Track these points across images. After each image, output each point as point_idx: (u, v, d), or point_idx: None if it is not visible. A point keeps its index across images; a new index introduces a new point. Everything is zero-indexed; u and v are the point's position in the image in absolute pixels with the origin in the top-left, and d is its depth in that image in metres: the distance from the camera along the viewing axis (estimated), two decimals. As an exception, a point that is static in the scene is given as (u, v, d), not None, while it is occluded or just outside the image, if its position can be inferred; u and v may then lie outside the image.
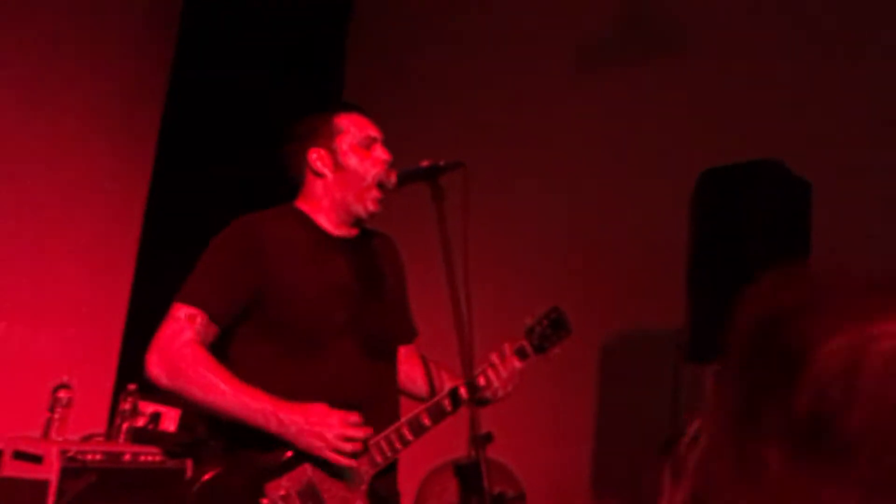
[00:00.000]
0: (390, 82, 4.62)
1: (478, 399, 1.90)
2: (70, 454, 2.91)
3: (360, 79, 4.80)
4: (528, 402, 2.71)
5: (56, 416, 3.14)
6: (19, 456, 2.93)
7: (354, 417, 1.84)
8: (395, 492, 2.03)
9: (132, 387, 3.44)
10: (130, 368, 3.95)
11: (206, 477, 1.83)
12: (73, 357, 3.75)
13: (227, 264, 1.95)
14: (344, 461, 1.82)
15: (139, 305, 4.15)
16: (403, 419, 1.96)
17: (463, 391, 1.94)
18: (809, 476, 0.53)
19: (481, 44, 4.43)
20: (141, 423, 3.44)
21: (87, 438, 3.31)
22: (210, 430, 2.05)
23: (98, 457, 3.01)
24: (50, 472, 2.85)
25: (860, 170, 3.07)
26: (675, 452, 0.64)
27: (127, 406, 3.41)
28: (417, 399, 2.12)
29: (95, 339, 4.00)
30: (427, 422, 1.95)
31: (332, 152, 2.07)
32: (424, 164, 1.94)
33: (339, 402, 1.88)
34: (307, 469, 1.85)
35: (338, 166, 2.07)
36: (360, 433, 1.84)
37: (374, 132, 2.11)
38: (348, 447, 1.82)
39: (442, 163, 1.92)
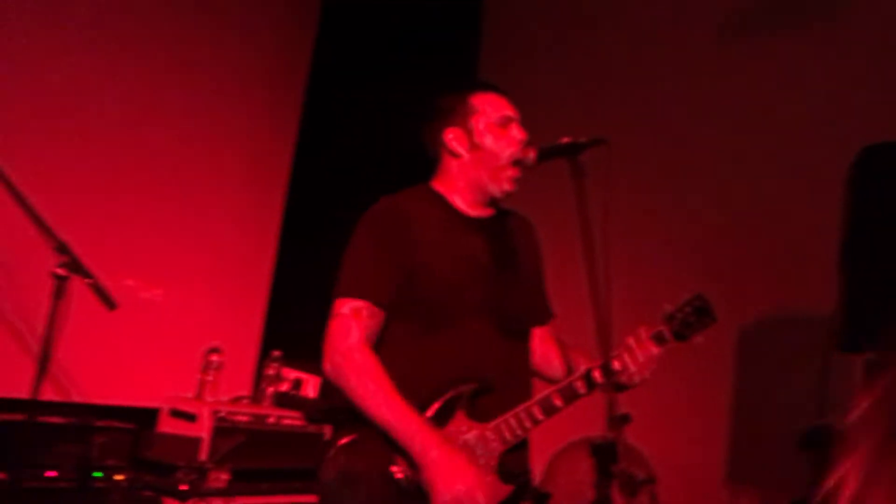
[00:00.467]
0: (525, 59, 4.57)
1: (613, 383, 1.87)
2: (221, 414, 3.11)
3: (494, 56, 4.77)
4: (663, 390, 2.64)
5: (208, 378, 3.35)
6: (176, 414, 3.16)
7: (489, 482, 1.81)
8: (525, 468, 2.03)
9: (276, 353, 3.62)
10: (275, 335, 4.17)
11: (343, 441, 1.90)
12: (222, 323, 3.99)
13: (379, 249, 1.97)
14: None
15: (284, 276, 4.35)
16: (535, 398, 1.96)
17: (597, 374, 1.91)
18: None
19: (619, 16, 4.30)
20: (284, 388, 3.62)
21: (235, 400, 3.52)
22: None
23: (246, 418, 3.20)
24: (203, 430, 3.05)
25: None
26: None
27: (271, 371, 3.59)
28: (551, 381, 2.10)
29: (243, 307, 4.24)
30: (558, 402, 1.93)
31: (468, 132, 2.07)
32: (565, 140, 1.91)
33: (472, 379, 1.90)
34: (439, 441, 1.88)
35: (473, 146, 2.07)
36: (484, 500, 1.77)
37: (510, 111, 2.10)
38: None
39: (583, 139, 1.88)
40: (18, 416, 2.60)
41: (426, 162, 2.18)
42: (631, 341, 1.98)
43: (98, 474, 2.88)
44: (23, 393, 2.34)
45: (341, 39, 4.49)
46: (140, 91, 3.77)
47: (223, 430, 3.09)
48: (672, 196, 3.91)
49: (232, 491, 3.00)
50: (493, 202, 2.13)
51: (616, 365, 1.95)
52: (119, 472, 2.93)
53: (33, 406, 2.25)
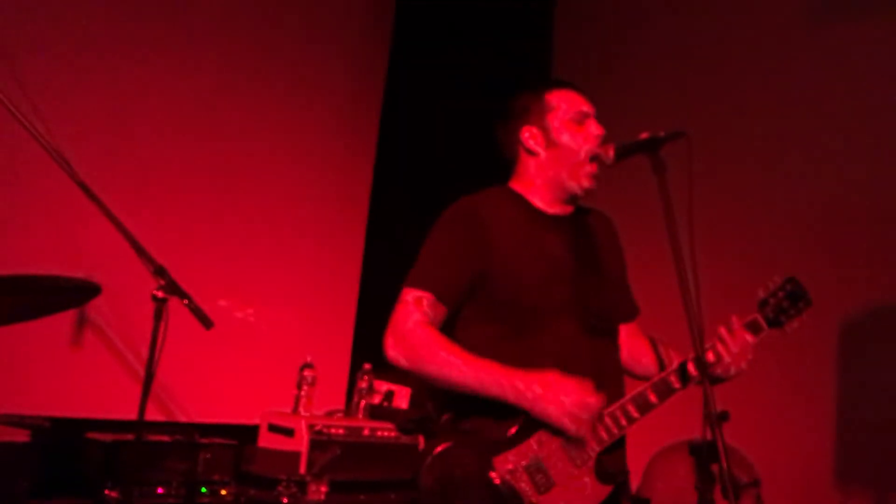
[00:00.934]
0: (601, 53, 4.52)
1: (708, 376, 1.82)
2: (317, 428, 3.17)
3: (569, 53, 4.73)
4: (763, 383, 2.56)
5: (303, 392, 3.43)
6: (274, 429, 3.24)
7: (589, 385, 1.84)
8: (623, 469, 2.00)
9: (367, 366, 3.67)
10: (364, 348, 4.23)
11: (438, 450, 1.91)
12: (313, 339, 4.08)
13: (451, 246, 2.00)
14: (580, 429, 1.82)
15: (370, 289, 4.42)
16: (629, 395, 1.93)
17: (691, 367, 1.88)
18: None
19: (697, 4, 4.21)
20: (376, 400, 3.67)
21: (329, 414, 3.58)
22: (439, 407, 2.14)
23: (341, 431, 3.25)
24: (301, 444, 3.12)
25: None
26: None
27: (363, 384, 3.65)
28: (641, 379, 2.07)
29: (331, 322, 4.33)
30: (653, 399, 1.90)
31: (544, 130, 2.07)
32: (644, 135, 1.88)
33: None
34: (533, 444, 1.87)
35: (550, 143, 2.07)
36: (596, 401, 1.83)
37: (586, 107, 2.09)
38: (585, 415, 1.82)
39: (662, 133, 1.85)
40: (128, 437, 2.71)
41: (505, 165, 2.19)
42: (723, 331, 1.94)
43: (204, 490, 2.98)
44: (130, 414, 2.43)
45: (416, 48, 4.56)
46: (229, 115, 3.89)
47: (319, 443, 3.15)
48: (760, 187, 3.79)
49: (330, 503, 3.05)
50: (572, 200, 2.11)
51: (710, 357, 1.91)
52: (224, 487, 3.03)
53: (141, 426, 2.34)
